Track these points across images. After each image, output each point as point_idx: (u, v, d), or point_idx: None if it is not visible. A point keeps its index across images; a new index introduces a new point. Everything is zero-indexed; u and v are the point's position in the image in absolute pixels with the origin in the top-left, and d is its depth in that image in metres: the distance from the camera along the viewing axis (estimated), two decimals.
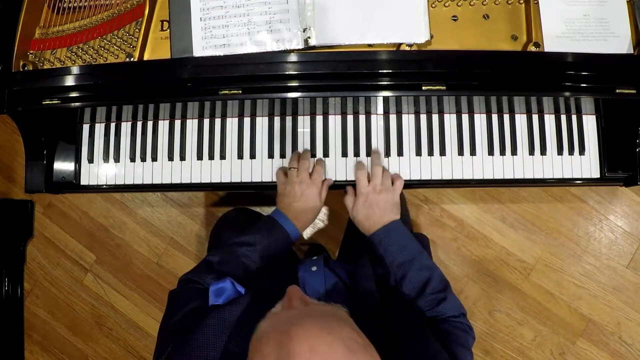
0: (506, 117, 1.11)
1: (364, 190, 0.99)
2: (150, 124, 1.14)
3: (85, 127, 1.15)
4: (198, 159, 1.13)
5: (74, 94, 1.02)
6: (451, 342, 0.80)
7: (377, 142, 1.11)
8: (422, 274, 0.89)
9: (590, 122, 1.11)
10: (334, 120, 1.12)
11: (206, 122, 1.13)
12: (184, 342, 0.70)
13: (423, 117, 1.11)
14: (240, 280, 0.89)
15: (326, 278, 0.89)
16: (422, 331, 0.78)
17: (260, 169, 1.12)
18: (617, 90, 0.99)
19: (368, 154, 1.10)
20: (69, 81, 1.01)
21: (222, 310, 0.73)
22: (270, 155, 1.12)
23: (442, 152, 1.11)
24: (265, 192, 1.76)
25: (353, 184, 1.05)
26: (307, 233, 1.77)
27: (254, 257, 0.92)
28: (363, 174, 1.02)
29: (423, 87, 0.98)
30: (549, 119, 1.11)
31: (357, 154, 1.10)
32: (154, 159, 1.13)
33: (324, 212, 1.77)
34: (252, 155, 1.12)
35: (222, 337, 0.69)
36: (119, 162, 1.14)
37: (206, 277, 0.87)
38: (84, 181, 1.14)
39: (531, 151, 1.11)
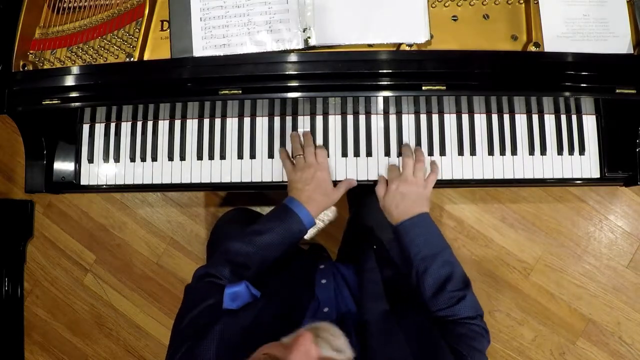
0: (506, 117, 1.11)
1: (395, 179, 1.01)
2: (150, 124, 1.14)
3: (85, 127, 1.15)
4: (198, 159, 1.13)
5: (73, 94, 1.02)
6: (466, 347, 0.78)
7: (377, 142, 1.11)
8: (445, 270, 0.89)
9: (590, 122, 1.11)
10: (334, 120, 1.12)
11: (206, 122, 1.13)
12: (196, 346, 0.69)
13: (423, 117, 1.11)
14: (255, 270, 0.88)
15: (336, 290, 0.88)
16: (436, 340, 0.77)
17: (260, 169, 1.12)
18: (617, 90, 0.98)
19: (368, 154, 1.10)
20: (69, 81, 1.01)
21: (235, 315, 0.72)
22: (270, 155, 1.12)
23: (442, 152, 1.11)
24: (265, 192, 1.76)
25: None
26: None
27: (269, 245, 0.91)
28: (395, 165, 1.04)
29: (423, 87, 0.98)
30: (549, 119, 1.11)
31: (357, 154, 1.10)
32: (154, 159, 1.13)
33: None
34: (252, 155, 1.12)
35: (232, 343, 0.68)
36: (119, 162, 1.14)
37: (222, 270, 0.86)
38: (84, 181, 1.14)
39: (531, 151, 1.11)
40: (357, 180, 1.09)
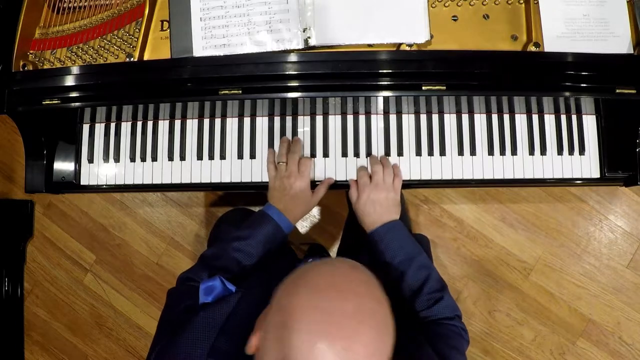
0: (506, 117, 1.11)
1: (367, 187, 1.00)
2: (150, 124, 1.14)
3: (85, 127, 1.15)
4: (198, 159, 1.13)
5: (73, 94, 1.02)
6: (445, 346, 0.80)
7: (377, 142, 1.11)
8: (421, 273, 0.90)
9: (590, 122, 1.11)
10: (334, 120, 1.12)
11: (206, 122, 1.13)
12: (172, 341, 0.71)
13: (423, 117, 1.11)
14: (235, 275, 0.89)
15: None
16: (418, 339, 0.78)
17: (260, 169, 1.12)
18: (617, 90, 0.98)
19: (368, 154, 1.10)
20: (69, 81, 1.01)
21: (210, 308, 0.74)
22: None
23: (442, 152, 1.11)
24: (265, 192, 1.75)
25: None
26: (306, 233, 1.77)
27: (247, 250, 0.93)
28: (364, 171, 1.03)
29: (423, 87, 0.98)
30: (549, 119, 1.11)
31: (357, 154, 1.10)
32: (154, 159, 1.13)
33: (322, 211, 1.77)
34: (252, 155, 1.12)
35: (209, 335, 0.70)
36: (119, 162, 1.14)
37: (201, 274, 0.88)
38: (84, 181, 1.14)
39: (531, 151, 1.11)
40: None
